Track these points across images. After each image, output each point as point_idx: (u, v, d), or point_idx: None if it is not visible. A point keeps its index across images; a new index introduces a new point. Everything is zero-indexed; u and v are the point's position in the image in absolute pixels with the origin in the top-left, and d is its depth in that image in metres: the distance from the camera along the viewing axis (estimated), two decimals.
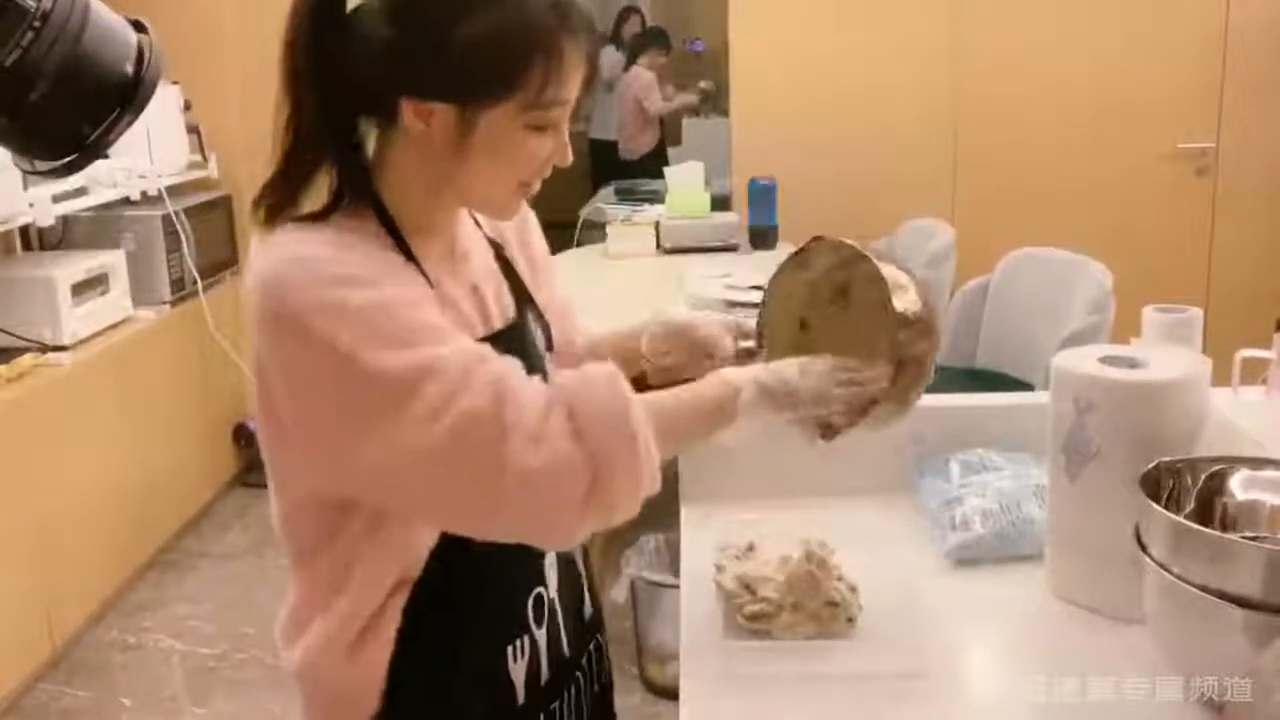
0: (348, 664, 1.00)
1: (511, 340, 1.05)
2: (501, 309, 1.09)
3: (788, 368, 1.06)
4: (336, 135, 0.97)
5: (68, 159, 1.01)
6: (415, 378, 0.87)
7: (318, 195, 0.98)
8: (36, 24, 0.91)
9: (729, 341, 1.22)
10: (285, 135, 0.97)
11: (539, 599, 1.08)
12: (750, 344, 1.21)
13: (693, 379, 1.11)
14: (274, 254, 0.93)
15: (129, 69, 1.01)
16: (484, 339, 0.99)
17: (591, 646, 1.19)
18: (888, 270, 1.09)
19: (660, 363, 1.23)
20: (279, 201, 0.97)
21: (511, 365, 0.92)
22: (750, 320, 1.25)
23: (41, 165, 1.02)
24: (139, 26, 1.05)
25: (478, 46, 0.93)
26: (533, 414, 0.88)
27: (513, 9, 0.94)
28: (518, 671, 1.06)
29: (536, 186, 1.03)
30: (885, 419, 1.11)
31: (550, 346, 1.16)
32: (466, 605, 1.02)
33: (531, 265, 1.19)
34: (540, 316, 1.15)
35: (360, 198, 0.98)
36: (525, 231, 1.21)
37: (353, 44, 0.95)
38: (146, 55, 1.02)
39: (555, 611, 1.10)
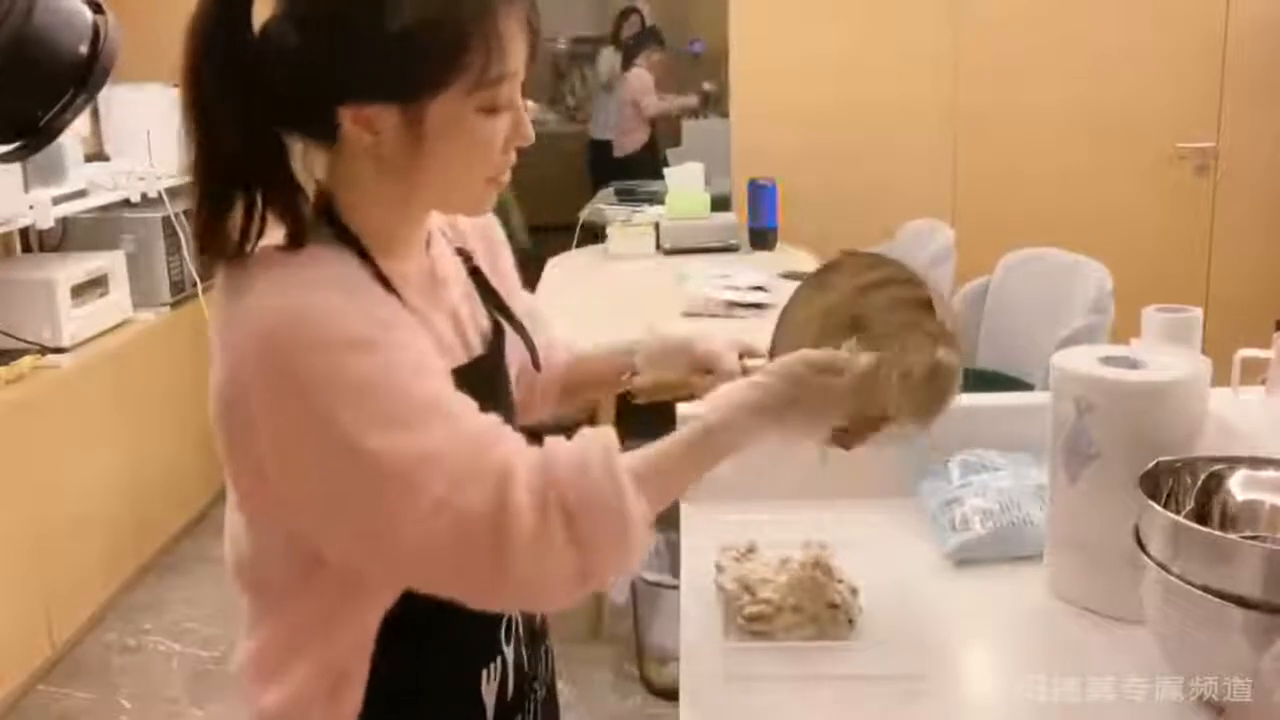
0: (330, 704, 0.96)
1: (484, 368, 1.03)
2: (479, 329, 1.06)
3: (765, 377, 0.99)
4: (262, 161, 0.90)
5: (20, 143, 0.97)
6: (415, 469, 0.82)
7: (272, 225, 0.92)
8: None
9: (732, 357, 1.18)
10: (200, 172, 0.89)
11: (510, 619, 1.07)
12: (759, 362, 1.16)
13: (693, 396, 1.10)
14: (277, 298, 0.86)
15: (83, 49, 0.96)
16: (464, 365, 0.97)
17: (542, 652, 1.19)
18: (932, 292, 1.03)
19: (656, 379, 1.20)
20: (216, 244, 0.90)
21: (512, 451, 0.86)
22: (751, 337, 1.22)
23: None
24: (96, 7, 0.99)
25: (408, 36, 0.85)
26: (530, 519, 0.83)
27: None
28: (489, 692, 1.04)
29: (506, 177, 0.97)
30: (906, 434, 1.06)
31: (535, 355, 1.12)
32: (446, 633, 0.99)
33: (497, 274, 1.15)
34: (520, 327, 1.11)
35: (312, 224, 0.91)
36: (491, 241, 1.16)
37: (269, 59, 0.88)
38: (102, 35, 0.97)
39: (518, 627, 1.09)
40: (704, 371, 1.19)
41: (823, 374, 0.98)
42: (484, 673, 1.04)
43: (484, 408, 0.90)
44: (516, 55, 0.91)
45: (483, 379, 0.98)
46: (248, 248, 0.91)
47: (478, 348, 1.04)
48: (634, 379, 1.22)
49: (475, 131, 0.91)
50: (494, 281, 1.12)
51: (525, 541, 0.83)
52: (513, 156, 0.96)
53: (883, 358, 1.01)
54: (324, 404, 0.82)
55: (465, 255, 1.10)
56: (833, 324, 1.13)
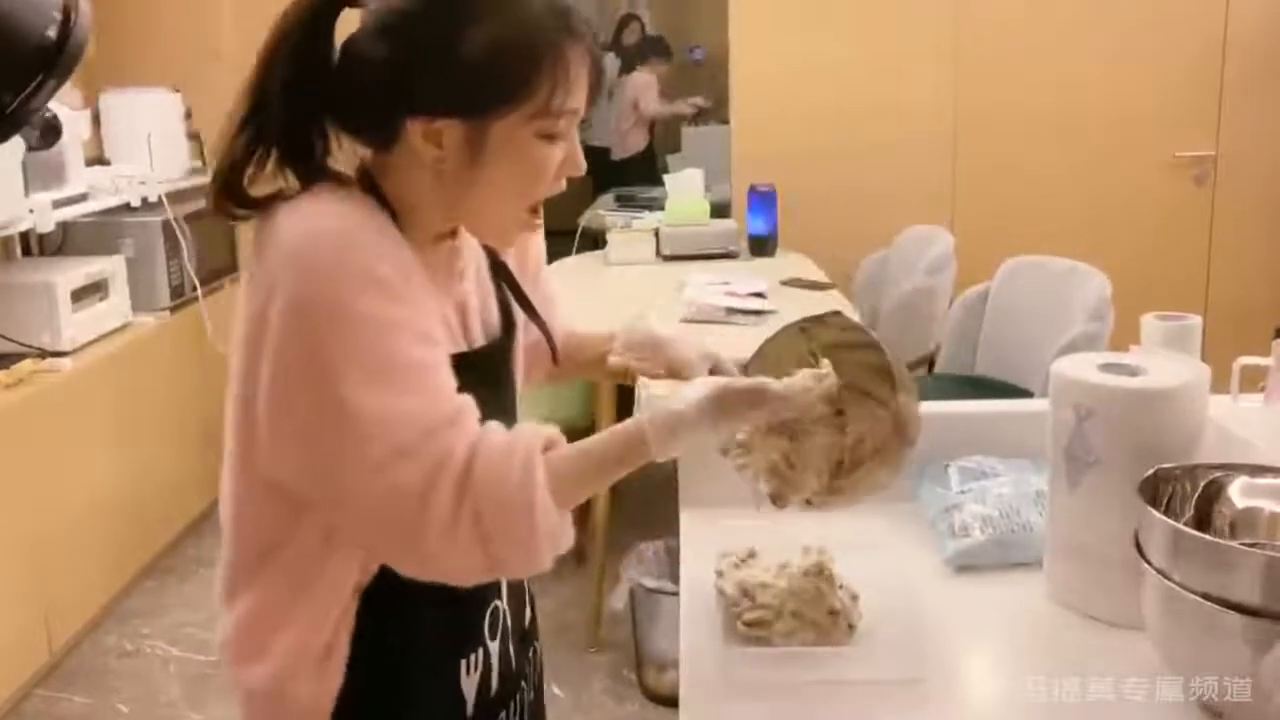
0: (317, 679, 0.98)
1: (485, 360, 1.06)
2: (485, 325, 1.09)
3: (691, 390, 1.02)
4: (299, 151, 0.98)
5: None
6: (372, 426, 0.88)
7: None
8: None
9: (703, 371, 1.19)
10: (236, 137, 0.97)
11: (495, 611, 1.08)
12: None
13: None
14: (331, 218, 0.92)
15: (52, 33, 0.95)
16: (461, 355, 0.99)
17: (530, 654, 1.19)
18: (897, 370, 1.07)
19: (627, 365, 1.23)
20: (239, 196, 0.97)
21: (460, 438, 0.91)
22: (724, 354, 1.22)
23: None
24: None
25: (483, 56, 0.92)
26: (445, 510, 0.89)
27: (514, 16, 0.94)
28: (470, 684, 1.06)
29: (540, 210, 1.03)
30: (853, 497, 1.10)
31: (554, 349, 1.17)
32: (425, 618, 1.01)
33: (527, 261, 1.19)
34: (541, 322, 1.15)
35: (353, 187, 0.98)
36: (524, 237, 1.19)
37: (349, 67, 0.95)
38: (73, 18, 0.96)
39: (506, 624, 1.10)
40: (674, 375, 1.21)
41: (753, 404, 1.00)
42: (464, 663, 1.05)
43: (475, 399, 0.95)
44: (579, 94, 0.97)
45: (475, 371, 1.00)
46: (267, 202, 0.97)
47: (479, 340, 1.07)
48: (610, 359, 1.26)
49: (532, 154, 0.97)
50: (520, 272, 1.16)
51: (437, 528, 0.89)
52: (562, 185, 1.02)
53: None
54: (326, 331, 0.88)
55: (491, 252, 1.14)
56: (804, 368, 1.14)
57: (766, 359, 1.17)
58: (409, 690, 1.02)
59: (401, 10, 0.94)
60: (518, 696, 1.14)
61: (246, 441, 0.97)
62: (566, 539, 0.95)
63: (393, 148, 0.98)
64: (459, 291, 1.06)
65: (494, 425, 0.95)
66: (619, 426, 0.98)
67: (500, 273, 1.14)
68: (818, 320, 1.15)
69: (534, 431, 0.95)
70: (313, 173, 0.98)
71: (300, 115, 0.97)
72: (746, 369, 1.17)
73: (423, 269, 0.97)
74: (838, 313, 1.16)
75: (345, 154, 1.01)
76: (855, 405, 1.08)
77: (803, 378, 1.04)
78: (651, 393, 0.99)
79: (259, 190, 0.97)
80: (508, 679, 1.10)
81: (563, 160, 0.99)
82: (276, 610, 0.99)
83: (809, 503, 1.08)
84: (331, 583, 0.98)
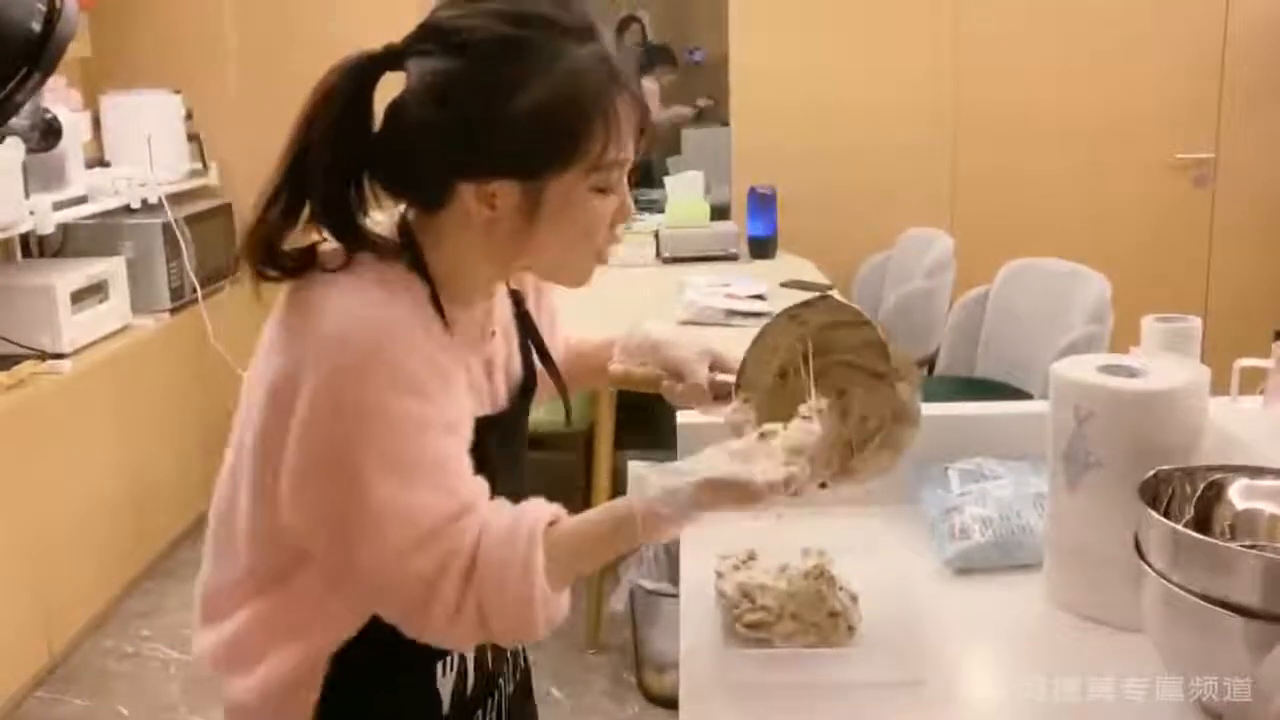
0: (303, 692, 1.00)
1: (508, 422, 1.08)
2: (509, 377, 1.11)
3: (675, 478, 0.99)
4: (342, 215, 0.97)
5: None
6: (390, 519, 0.90)
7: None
8: None
9: (702, 370, 1.21)
10: (274, 202, 0.96)
11: None
12: (728, 378, 1.19)
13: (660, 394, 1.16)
14: (365, 309, 0.92)
15: (36, 26, 0.95)
16: (485, 418, 1.01)
17: (509, 654, 1.20)
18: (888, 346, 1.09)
19: (627, 371, 1.24)
20: (268, 252, 0.96)
21: (470, 530, 0.93)
22: (729, 346, 1.23)
23: None
24: None
25: (537, 118, 0.92)
26: (449, 602, 0.92)
27: (564, 73, 0.92)
28: (445, 685, 1.07)
29: (609, 252, 1.04)
30: (873, 470, 1.11)
31: (567, 405, 1.19)
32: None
33: (542, 298, 1.21)
34: (556, 374, 1.17)
35: (393, 247, 0.98)
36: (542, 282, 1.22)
37: (397, 131, 0.94)
38: (57, 11, 0.97)
39: None
40: (674, 377, 1.22)
41: (739, 500, 0.98)
42: (440, 664, 1.07)
43: (493, 458, 0.98)
44: (629, 143, 0.97)
45: (497, 431, 1.03)
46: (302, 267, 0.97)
47: (503, 400, 1.09)
48: (611, 367, 1.27)
49: (588, 209, 0.97)
50: (537, 312, 1.18)
51: (442, 611, 0.93)
52: (620, 232, 1.03)
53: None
54: (354, 425, 0.89)
55: (518, 298, 1.15)
56: (798, 352, 1.15)
57: (762, 347, 1.17)
58: (385, 690, 1.03)
59: (451, 73, 0.93)
60: (494, 695, 1.15)
61: (262, 484, 0.97)
62: (561, 613, 0.98)
63: (441, 209, 0.97)
64: (488, 350, 1.07)
65: (500, 505, 0.97)
66: (611, 506, 0.98)
67: (524, 322, 1.16)
68: (807, 305, 1.15)
69: (536, 515, 0.96)
70: (352, 236, 0.97)
71: (341, 181, 0.96)
72: (744, 358, 1.17)
73: (458, 330, 0.98)
74: (826, 296, 1.16)
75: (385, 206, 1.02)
76: (855, 383, 1.10)
77: (794, 431, 1.03)
78: (639, 473, 0.98)
79: (293, 241, 0.97)
80: (483, 680, 1.11)
81: (616, 208, 1.00)
82: (291, 622, 1.00)
83: (823, 486, 1.09)
84: (332, 615, 0.99)
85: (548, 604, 0.95)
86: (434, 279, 0.98)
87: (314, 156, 0.94)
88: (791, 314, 1.16)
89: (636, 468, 0.99)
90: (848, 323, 1.13)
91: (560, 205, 0.95)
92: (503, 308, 1.12)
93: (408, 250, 0.98)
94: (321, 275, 0.95)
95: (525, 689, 1.27)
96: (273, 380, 0.93)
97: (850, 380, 1.12)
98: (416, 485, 0.91)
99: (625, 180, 1.00)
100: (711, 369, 1.22)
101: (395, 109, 0.95)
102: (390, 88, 0.97)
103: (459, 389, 0.97)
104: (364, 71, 0.95)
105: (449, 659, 1.07)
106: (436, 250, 0.99)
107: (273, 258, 0.96)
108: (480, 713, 1.13)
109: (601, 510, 0.99)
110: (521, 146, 0.93)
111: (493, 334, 1.08)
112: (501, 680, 1.17)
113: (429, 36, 0.95)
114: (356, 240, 0.97)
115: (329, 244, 0.98)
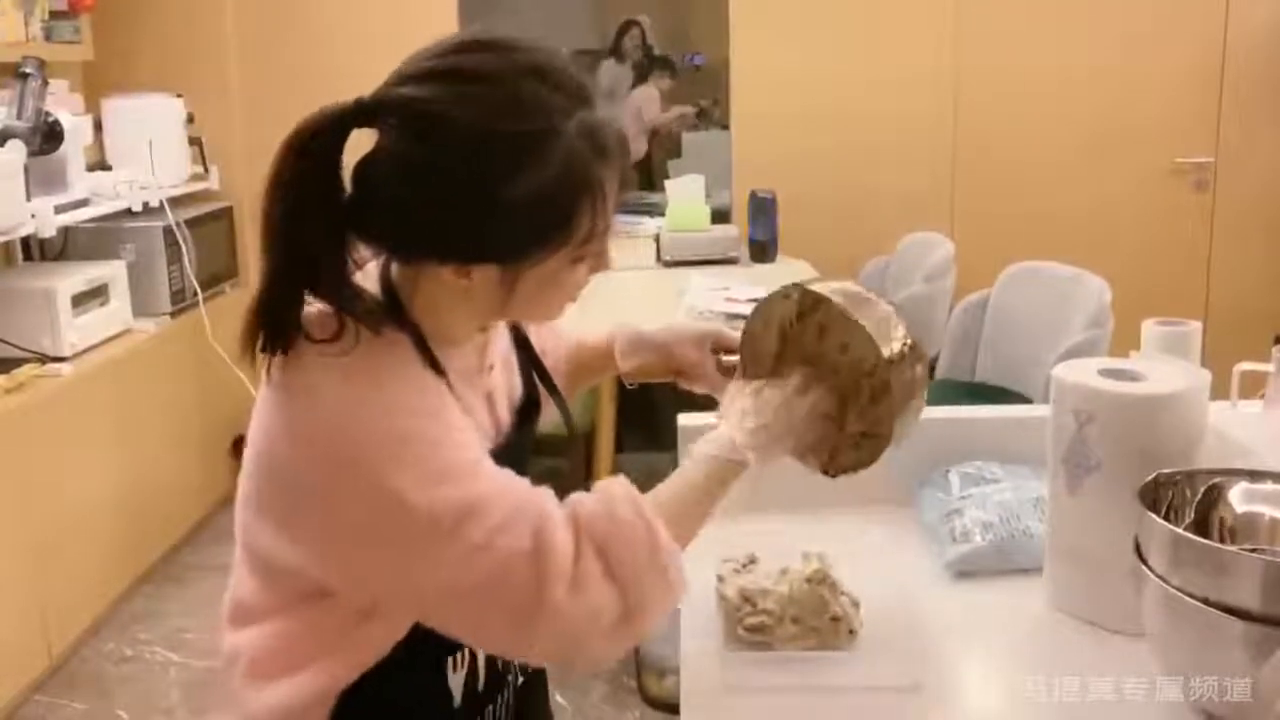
0: (321, 701, 0.99)
1: (515, 450, 1.06)
2: (511, 405, 1.10)
3: (752, 406, 1.04)
4: (331, 273, 0.91)
5: None
6: (460, 517, 0.86)
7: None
8: None
9: (709, 362, 1.24)
10: (269, 277, 0.90)
11: None
12: (731, 359, 1.21)
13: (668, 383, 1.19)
14: (337, 396, 0.88)
15: None
16: (493, 452, 0.97)
17: None
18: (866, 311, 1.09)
19: (638, 365, 1.26)
20: (280, 339, 0.91)
21: (548, 503, 0.91)
22: (730, 329, 1.26)
23: None
24: None
25: (523, 208, 0.87)
26: (567, 559, 0.87)
27: (556, 158, 0.87)
28: (456, 681, 1.06)
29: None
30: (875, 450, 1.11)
31: (570, 426, 1.19)
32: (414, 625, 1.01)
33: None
34: (560, 399, 1.17)
35: (373, 305, 0.93)
36: None
37: (370, 197, 0.88)
38: None
39: None
40: (682, 377, 1.25)
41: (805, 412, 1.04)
42: (450, 660, 1.06)
43: None
44: (613, 210, 0.94)
45: (507, 461, 1.00)
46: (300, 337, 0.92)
47: (506, 427, 1.08)
48: (621, 366, 1.28)
49: (567, 279, 0.95)
50: (536, 338, 1.18)
51: (563, 576, 0.87)
52: (591, 280, 1.00)
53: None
54: (375, 474, 0.86)
55: (515, 325, 1.14)
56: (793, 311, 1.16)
57: (755, 323, 1.18)
58: (396, 686, 1.02)
59: (429, 163, 0.87)
60: (504, 691, 1.15)
61: (294, 539, 0.95)
62: (685, 576, 0.94)
63: (419, 268, 0.94)
64: (488, 384, 1.06)
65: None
66: (695, 455, 0.99)
67: (523, 346, 1.16)
68: (797, 285, 1.16)
69: (615, 480, 0.95)
70: (348, 302, 0.91)
71: (338, 250, 0.90)
72: (747, 325, 1.19)
73: (453, 371, 0.96)
74: (831, 278, 1.18)
75: None
76: (850, 332, 1.08)
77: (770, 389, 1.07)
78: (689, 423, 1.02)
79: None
80: (493, 676, 1.11)
81: (593, 264, 0.98)
82: (323, 642, 0.99)
83: (858, 446, 1.09)
84: (364, 638, 0.98)
85: (670, 543, 0.91)
86: (420, 326, 0.95)
87: (298, 229, 0.88)
88: (785, 294, 1.17)
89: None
90: (834, 280, 1.15)
91: (541, 280, 0.93)
92: (500, 339, 1.11)
93: (390, 300, 0.95)
94: (313, 351, 0.91)
95: (541, 686, 1.26)
96: (282, 477, 0.92)
97: (846, 330, 1.08)
98: (465, 483, 0.88)
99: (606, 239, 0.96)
100: (714, 351, 1.25)
101: (368, 174, 0.89)
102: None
103: (459, 417, 0.94)
104: (333, 133, 0.88)
105: (459, 655, 1.06)
106: (417, 298, 0.95)
107: (280, 335, 0.91)
108: (491, 708, 1.12)
109: (683, 474, 0.99)
110: (503, 241, 0.89)
111: (491, 368, 1.07)
112: (510, 676, 1.16)
113: (403, 113, 0.87)
114: (351, 305, 0.91)
115: (313, 306, 0.93)
